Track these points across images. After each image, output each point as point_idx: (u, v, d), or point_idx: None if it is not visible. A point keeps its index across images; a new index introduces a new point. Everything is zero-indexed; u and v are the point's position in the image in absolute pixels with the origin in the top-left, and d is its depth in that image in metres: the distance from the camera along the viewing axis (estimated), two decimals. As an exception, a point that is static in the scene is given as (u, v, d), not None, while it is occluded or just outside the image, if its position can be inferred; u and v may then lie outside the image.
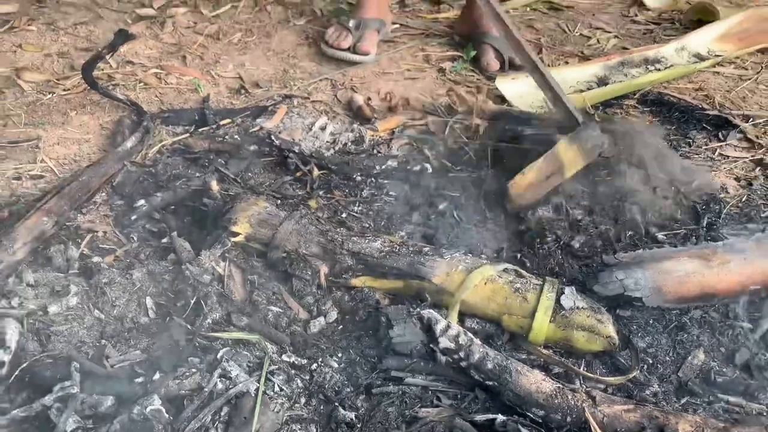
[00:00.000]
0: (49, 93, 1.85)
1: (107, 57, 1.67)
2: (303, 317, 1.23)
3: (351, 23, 2.08)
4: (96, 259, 1.31)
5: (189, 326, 1.15)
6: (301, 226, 1.29)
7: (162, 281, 1.26)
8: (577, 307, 1.15)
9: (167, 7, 2.37)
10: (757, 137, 1.82)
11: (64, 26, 2.20)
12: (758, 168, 1.71)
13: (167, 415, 1.00)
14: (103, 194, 1.51)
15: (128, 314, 1.20)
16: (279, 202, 1.42)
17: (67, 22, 2.23)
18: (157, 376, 1.05)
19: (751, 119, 1.91)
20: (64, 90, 1.86)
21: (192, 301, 1.20)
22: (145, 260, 1.30)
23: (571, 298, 1.16)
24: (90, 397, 1.02)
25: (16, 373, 1.06)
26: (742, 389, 1.14)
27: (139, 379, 1.06)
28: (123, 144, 1.60)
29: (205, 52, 2.13)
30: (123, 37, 1.63)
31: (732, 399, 1.12)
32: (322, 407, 1.07)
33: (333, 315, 1.24)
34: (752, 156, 1.75)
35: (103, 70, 1.95)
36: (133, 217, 1.41)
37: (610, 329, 1.14)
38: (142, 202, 1.43)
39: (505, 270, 1.22)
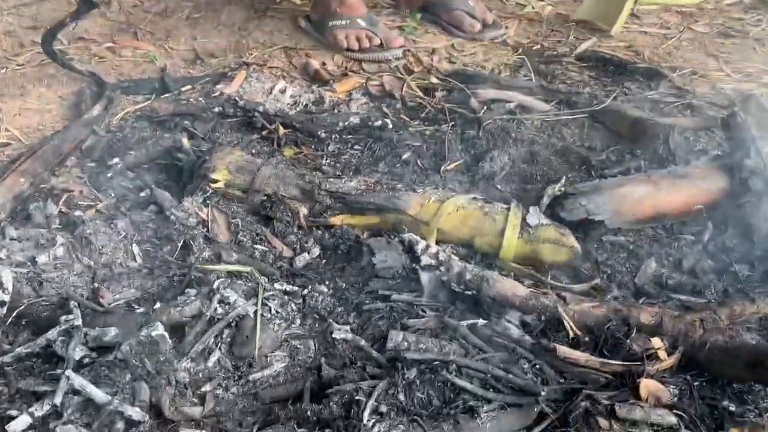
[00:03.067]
0: (3, 69, 1.84)
1: (71, 27, 1.68)
2: (287, 255, 1.30)
3: (362, 23, 2.02)
4: (77, 213, 1.33)
5: (181, 262, 1.19)
6: (279, 170, 1.35)
7: (146, 229, 1.29)
8: (542, 224, 1.26)
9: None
10: (684, 85, 1.98)
11: (7, 7, 2.17)
12: (687, 110, 1.86)
13: (170, 341, 1.05)
14: (73, 159, 1.52)
15: (116, 260, 1.24)
16: (253, 152, 1.47)
17: (9, 3, 2.20)
18: (157, 305, 1.09)
19: (678, 70, 2.07)
20: (18, 65, 1.85)
21: (179, 244, 1.25)
22: (126, 211, 1.34)
23: (535, 216, 1.27)
24: (93, 330, 1.06)
25: (14, 315, 1.08)
26: (691, 288, 1.27)
27: (140, 310, 1.10)
28: (89, 111, 1.62)
29: (155, 28, 2.15)
30: (88, 5, 1.64)
31: (683, 297, 1.24)
32: (317, 325, 1.14)
33: (316, 251, 1.30)
34: (681, 101, 1.90)
35: (55, 49, 1.94)
36: (109, 175, 1.44)
37: (572, 240, 1.25)
38: (116, 160, 1.46)
39: (474, 198, 1.31)
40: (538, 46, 2.18)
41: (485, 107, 1.77)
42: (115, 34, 2.09)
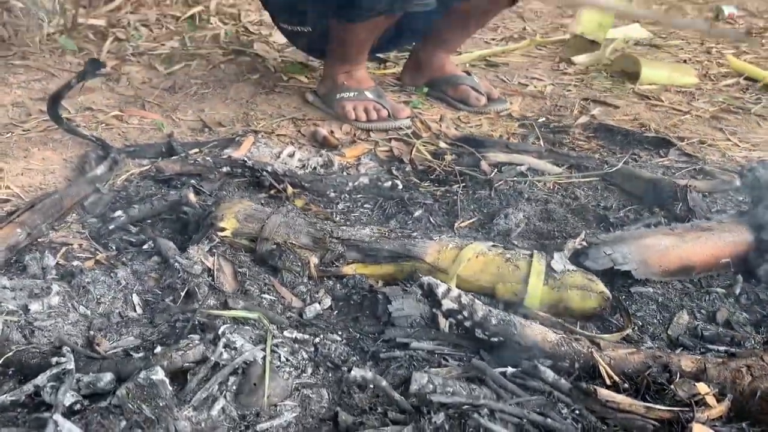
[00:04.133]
0: (8, 134, 1.82)
1: (77, 86, 1.67)
2: (297, 305, 1.22)
3: (369, 95, 2.05)
4: (76, 263, 1.26)
5: (184, 307, 1.11)
6: (290, 219, 1.30)
7: (148, 279, 1.22)
8: (568, 270, 1.19)
9: (121, 66, 2.41)
10: (694, 152, 1.97)
11: (17, 82, 2.19)
12: (700, 175, 1.84)
13: (171, 387, 0.95)
14: (74, 215, 1.47)
15: (115, 310, 1.16)
16: (263, 202, 1.42)
17: (19, 79, 2.23)
18: (158, 349, 1.00)
19: (686, 140, 2.07)
20: (23, 131, 1.84)
21: (182, 293, 1.17)
22: (128, 262, 1.27)
23: (561, 262, 1.20)
24: (86, 376, 0.96)
25: (1, 361, 0.99)
26: (729, 340, 1.18)
27: (139, 354, 1.01)
28: (93, 171, 1.59)
29: (163, 102, 2.16)
30: (95, 66, 1.64)
31: (721, 348, 1.16)
32: (330, 374, 1.04)
33: (327, 302, 1.23)
34: (693, 167, 1.88)
35: (61, 114, 1.94)
36: (110, 228, 1.38)
37: (601, 286, 1.18)
38: (119, 213, 1.41)
39: (494, 245, 1.25)
40: (544, 119, 2.19)
41: (495, 170, 1.74)
42: (123, 105, 2.09)
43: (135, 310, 1.17)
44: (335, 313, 1.21)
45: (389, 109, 2.01)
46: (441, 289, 1.09)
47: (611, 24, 1.64)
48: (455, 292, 1.09)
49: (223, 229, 1.28)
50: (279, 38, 2.87)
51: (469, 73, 2.37)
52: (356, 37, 1.98)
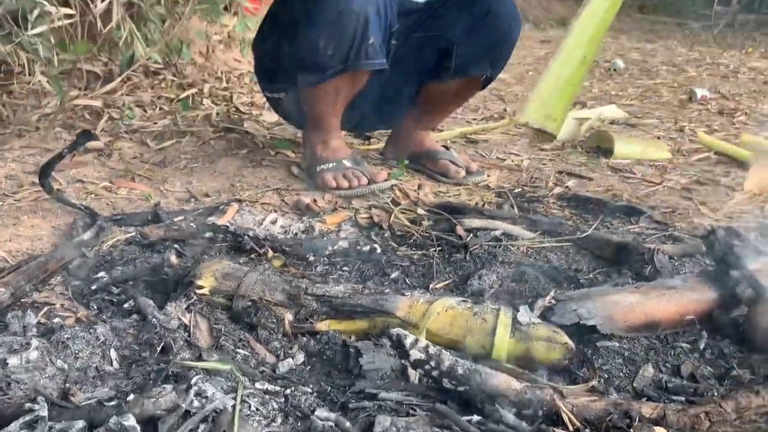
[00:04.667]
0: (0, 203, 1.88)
1: (68, 157, 1.74)
2: (270, 361, 1.24)
3: (347, 163, 2.12)
4: (56, 320, 1.30)
5: (159, 358, 1.14)
6: (266, 276, 1.34)
7: (126, 335, 1.25)
8: (533, 323, 1.23)
9: (114, 142, 2.50)
10: (664, 220, 2.04)
11: (12, 156, 2.27)
12: (669, 240, 1.90)
13: (142, 435, 0.97)
14: (59, 277, 1.51)
15: (92, 364, 1.18)
16: (241, 263, 1.47)
17: (14, 154, 2.31)
18: (130, 397, 1.03)
19: (657, 208, 2.15)
20: (15, 200, 1.90)
21: (159, 348, 1.20)
22: (108, 319, 1.30)
23: (526, 315, 1.24)
24: (59, 423, 0.98)
25: (-25, 411, 1.01)
26: (692, 392, 1.21)
27: (112, 403, 1.03)
28: (79, 236, 1.64)
29: (153, 175, 2.24)
30: (86, 137, 1.72)
31: (684, 399, 1.18)
32: (299, 423, 1.06)
33: (301, 357, 1.25)
34: (663, 233, 1.95)
35: (51, 183, 2.01)
36: (93, 288, 1.42)
37: (565, 338, 1.21)
38: (102, 274, 1.45)
39: (464, 300, 1.30)
40: (519, 189, 2.27)
41: (471, 234, 1.80)
42: (113, 178, 2.17)
43: (112, 365, 1.19)
44: (308, 368, 1.24)
45: (368, 174, 2.09)
46: (409, 339, 1.12)
47: (562, 117, 1.73)
48: (423, 342, 1.12)
49: (201, 287, 1.32)
50: (269, 117, 3.00)
51: (448, 148, 2.47)
52: (322, 101, 2.09)
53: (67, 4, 2.26)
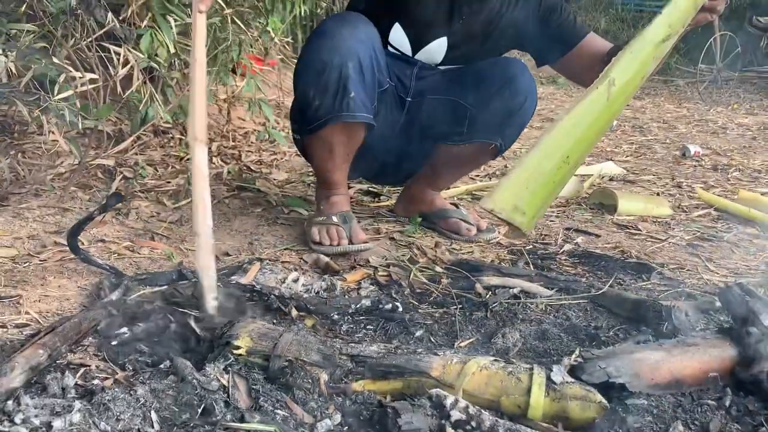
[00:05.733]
0: (26, 263, 1.90)
1: (98, 218, 1.77)
2: (308, 421, 1.26)
3: (335, 219, 2.17)
4: (95, 381, 1.31)
5: (203, 425, 1.16)
6: (301, 337, 1.37)
7: (166, 396, 1.27)
8: (567, 381, 1.26)
9: (131, 201, 2.54)
10: (674, 276, 2.10)
11: (32, 216, 2.31)
12: (681, 297, 1.95)
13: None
14: (90, 338, 1.53)
15: (134, 427, 1.20)
16: (274, 323, 1.49)
17: (34, 213, 2.34)
18: (182, 459, 1.04)
19: (665, 265, 2.20)
20: (40, 260, 1.93)
21: (200, 409, 1.22)
22: (146, 380, 1.32)
23: (559, 374, 1.27)
24: (112, 487, 0.99)
25: (27, 475, 1.02)
26: (723, 448, 1.24)
27: (163, 466, 1.04)
28: (107, 296, 1.67)
29: (171, 234, 2.28)
30: (116, 199, 1.76)
31: (717, 455, 1.21)
32: (346, 484, 1.08)
33: (337, 418, 1.27)
34: (674, 290, 2.00)
35: (78, 245, 2.04)
36: (125, 348, 1.44)
37: (599, 396, 1.25)
38: (133, 333, 1.47)
39: (496, 360, 1.33)
40: (531, 246, 2.33)
41: (490, 292, 1.84)
42: (133, 237, 2.20)
43: (153, 426, 1.21)
44: (345, 428, 1.26)
45: (349, 233, 2.13)
46: (449, 400, 1.15)
47: (535, 214, 1.63)
48: (462, 403, 1.15)
49: (238, 348, 1.35)
50: (278, 175, 3.06)
51: (457, 206, 2.53)
52: (318, 153, 2.18)
53: (90, 70, 2.33)
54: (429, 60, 2.27)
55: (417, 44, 2.24)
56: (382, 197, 2.83)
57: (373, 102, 2.11)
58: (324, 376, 1.33)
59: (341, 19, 2.13)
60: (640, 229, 2.61)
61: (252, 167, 3.22)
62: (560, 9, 2.24)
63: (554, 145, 1.63)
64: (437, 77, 2.28)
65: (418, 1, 2.17)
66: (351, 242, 2.12)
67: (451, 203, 2.59)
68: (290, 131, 2.45)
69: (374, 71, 2.07)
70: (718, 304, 1.80)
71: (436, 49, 2.24)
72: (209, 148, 3.38)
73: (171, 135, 3.41)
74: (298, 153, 2.52)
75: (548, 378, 1.27)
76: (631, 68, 1.69)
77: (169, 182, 2.85)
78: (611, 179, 3.54)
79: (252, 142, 3.67)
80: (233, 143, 3.60)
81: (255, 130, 3.82)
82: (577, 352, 1.49)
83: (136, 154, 3.16)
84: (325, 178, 2.25)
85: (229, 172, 3.05)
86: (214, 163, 3.22)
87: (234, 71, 3.73)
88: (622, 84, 1.67)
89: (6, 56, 2.16)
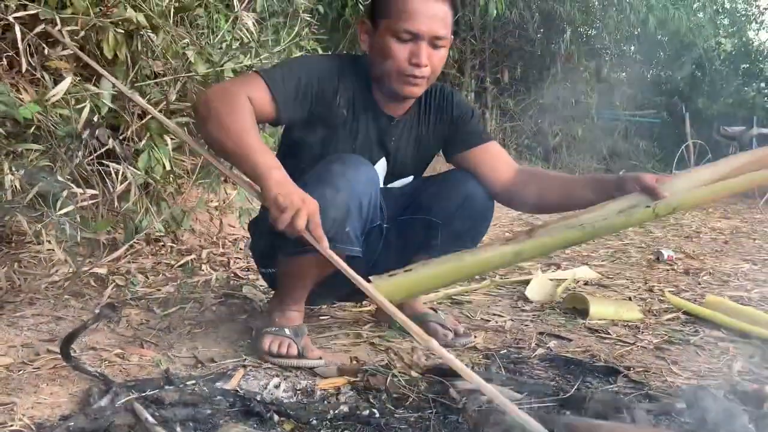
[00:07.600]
0: (20, 371, 1.99)
1: (92, 327, 1.88)
2: None
3: (287, 332, 2.22)
4: (84, 486, 1.38)
5: None
6: (280, 441, 1.46)
7: (150, 500, 1.34)
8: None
9: (122, 309, 2.65)
10: (639, 379, 2.20)
11: (26, 325, 2.41)
12: (645, 399, 2.05)
13: None
14: (79, 444, 1.61)
15: None
16: (255, 426, 1.58)
17: (29, 322, 2.44)
18: None
19: (632, 368, 2.31)
20: (33, 368, 2.01)
21: None
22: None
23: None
24: None
25: None
26: None
27: None
28: (97, 403, 1.75)
29: (160, 341, 2.37)
30: (109, 309, 1.88)
31: None
32: None
33: None
34: (639, 392, 2.10)
35: (70, 353, 2.13)
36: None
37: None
38: (123, 440, 1.55)
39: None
40: (505, 351, 2.44)
41: (464, 396, 1.94)
42: (123, 345, 2.30)
43: None
44: None
45: (300, 347, 2.19)
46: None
47: (405, 297, 1.80)
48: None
49: (220, 451, 1.43)
50: (264, 283, 3.19)
51: (436, 311, 2.66)
52: (296, 275, 2.26)
53: (90, 186, 2.51)
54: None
55: None
56: (364, 303, 2.95)
57: (363, 234, 2.24)
58: (301, 479, 1.41)
59: (342, 161, 2.18)
60: (610, 333, 2.73)
61: (239, 274, 3.35)
62: (471, 114, 2.47)
63: (458, 268, 2.02)
64: (399, 198, 2.46)
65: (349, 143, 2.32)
66: (303, 356, 2.18)
67: (430, 307, 2.72)
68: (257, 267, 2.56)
69: (370, 207, 2.19)
70: (678, 405, 1.90)
71: (381, 170, 2.40)
72: (199, 256, 3.53)
73: (162, 243, 3.57)
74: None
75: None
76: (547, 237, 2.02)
77: (159, 290, 2.97)
78: (586, 283, 3.69)
79: (240, 249, 3.81)
80: (222, 250, 3.75)
81: (244, 237, 3.98)
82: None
83: (129, 262, 3.30)
84: (288, 295, 2.32)
85: (217, 279, 3.17)
86: (203, 270, 3.36)
87: (225, 181, 3.94)
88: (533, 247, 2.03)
89: (12, 174, 2.34)
